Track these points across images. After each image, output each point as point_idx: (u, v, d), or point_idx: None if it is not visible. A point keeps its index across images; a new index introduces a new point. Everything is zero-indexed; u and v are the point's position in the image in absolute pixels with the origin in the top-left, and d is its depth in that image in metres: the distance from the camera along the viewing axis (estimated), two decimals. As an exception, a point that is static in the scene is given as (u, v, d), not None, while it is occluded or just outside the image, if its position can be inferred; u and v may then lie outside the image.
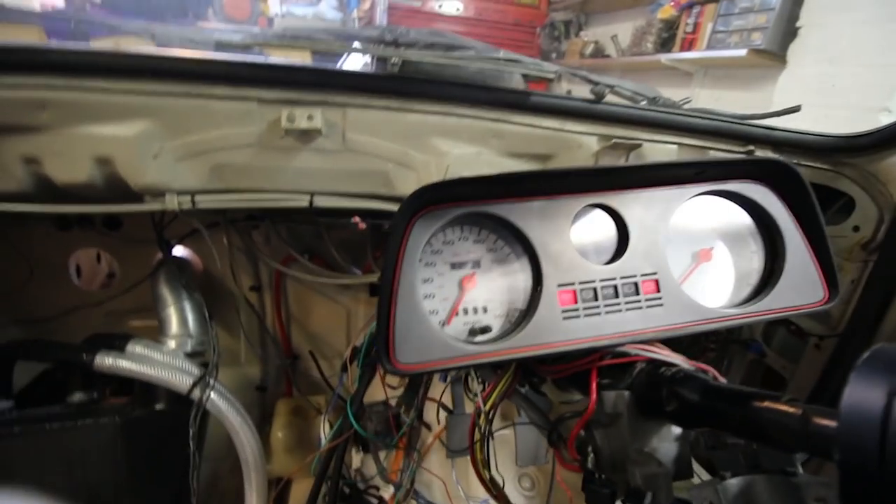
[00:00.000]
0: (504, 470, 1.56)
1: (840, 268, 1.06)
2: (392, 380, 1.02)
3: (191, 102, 0.82)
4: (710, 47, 2.56)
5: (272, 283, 1.42)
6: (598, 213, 0.68)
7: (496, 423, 1.21)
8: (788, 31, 2.14)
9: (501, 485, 0.73)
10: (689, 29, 2.69)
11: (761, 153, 1.07)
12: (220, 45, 0.86)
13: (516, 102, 0.96)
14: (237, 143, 0.87)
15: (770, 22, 2.15)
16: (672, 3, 2.64)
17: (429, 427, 1.20)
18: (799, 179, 0.68)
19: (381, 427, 0.98)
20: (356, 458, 1.10)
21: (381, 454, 1.07)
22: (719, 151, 1.07)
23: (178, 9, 2.49)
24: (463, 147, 0.96)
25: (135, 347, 1.06)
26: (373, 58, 0.90)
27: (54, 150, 0.80)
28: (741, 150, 1.07)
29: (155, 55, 0.82)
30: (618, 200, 0.67)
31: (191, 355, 1.14)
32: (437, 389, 1.08)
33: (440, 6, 3.76)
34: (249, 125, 0.86)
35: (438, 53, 0.89)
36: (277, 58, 0.91)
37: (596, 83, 1.06)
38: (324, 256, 1.37)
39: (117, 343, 1.06)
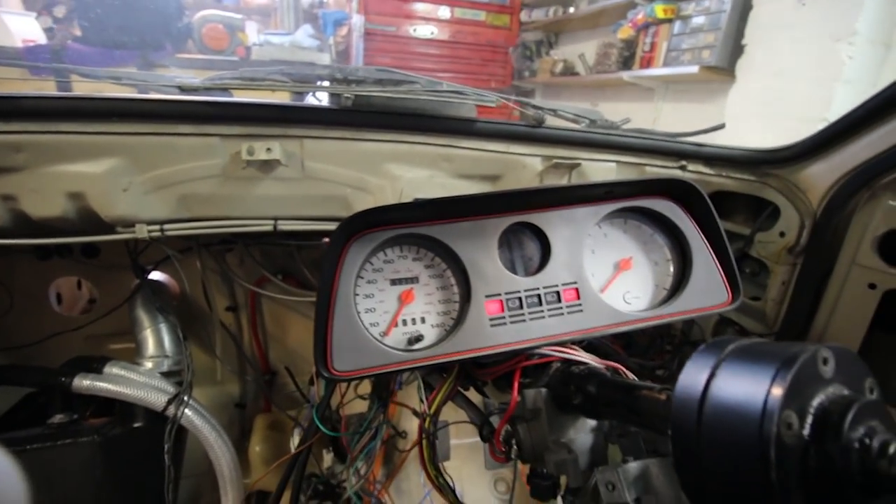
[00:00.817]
0: (479, 476, 1.61)
1: (771, 271, 1.15)
2: (364, 389, 1.08)
3: (157, 140, 0.89)
4: (666, 64, 2.70)
5: (248, 302, 1.48)
6: (524, 228, 0.76)
7: (469, 432, 1.27)
8: (735, 48, 2.28)
9: (452, 485, 0.79)
10: (647, 48, 2.84)
11: (693, 167, 1.17)
12: (185, 90, 0.93)
13: (463, 129, 1.05)
14: (202, 175, 0.94)
15: (718, 41, 2.29)
16: (630, 24, 2.78)
17: (405, 435, 1.26)
18: (700, 196, 0.77)
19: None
20: (327, 458, 1.15)
21: (361, 465, 1.12)
22: (654, 167, 1.16)
23: (158, 42, 2.58)
24: (416, 171, 1.04)
25: (112, 369, 1.11)
26: (327, 97, 0.98)
27: (30, 187, 0.87)
28: (674, 165, 1.16)
29: (123, 97, 0.89)
30: (539, 218, 0.75)
31: (167, 374, 1.19)
32: (411, 398, 1.15)
33: (414, 30, 3.89)
34: (212, 158, 0.93)
35: (388, 89, 0.98)
36: (240, 97, 0.99)
37: (537, 108, 1.16)
38: (296, 275, 1.43)
39: (95, 365, 1.11)
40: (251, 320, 1.50)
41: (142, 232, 0.93)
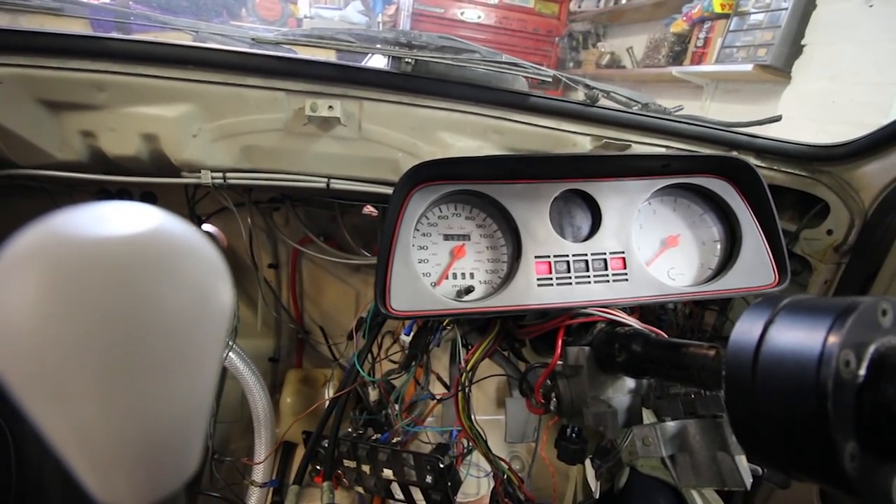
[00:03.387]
0: (496, 452, 1.66)
1: (814, 268, 1.13)
2: (395, 356, 1.13)
3: (227, 90, 0.94)
4: (718, 61, 2.63)
5: (289, 261, 1.54)
6: (576, 196, 0.78)
7: (488, 409, 1.30)
8: (794, 48, 2.21)
9: (484, 436, 0.83)
10: (700, 43, 2.77)
11: (744, 157, 1.15)
12: (255, 42, 0.98)
13: (516, 102, 1.07)
14: (265, 128, 0.98)
15: (776, 39, 2.21)
16: (684, 18, 2.71)
17: (434, 396, 1.30)
18: (755, 176, 0.77)
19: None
20: (373, 393, 1.19)
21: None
22: (704, 152, 1.15)
23: (215, 7, 2.66)
24: (466, 141, 1.06)
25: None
26: (389, 58, 1.01)
27: (108, 126, 0.93)
28: (725, 154, 1.15)
29: (199, 46, 0.94)
30: (593, 187, 0.76)
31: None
32: (438, 365, 1.19)
33: (462, 13, 3.88)
34: (277, 112, 0.97)
35: (447, 56, 1.00)
36: (304, 55, 1.02)
37: (591, 87, 1.16)
38: (337, 239, 1.48)
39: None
40: (290, 279, 1.56)
41: (206, 178, 0.98)
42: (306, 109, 0.96)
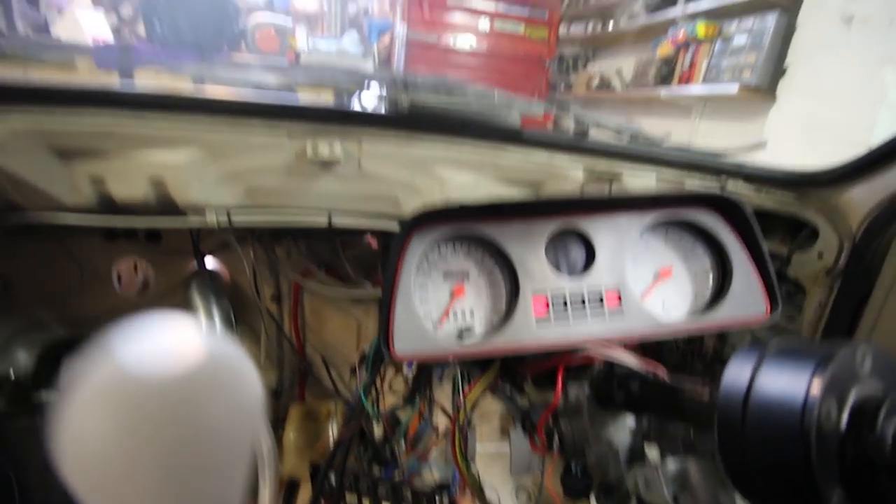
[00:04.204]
0: (501, 484, 1.65)
1: (808, 292, 1.15)
2: (397, 385, 1.14)
3: (231, 134, 0.97)
4: (705, 82, 2.69)
5: (291, 294, 1.56)
6: (569, 234, 0.80)
7: (493, 438, 1.31)
8: (777, 69, 2.27)
9: (477, 476, 0.83)
10: (687, 66, 2.84)
11: (733, 184, 1.18)
12: (257, 85, 1.01)
13: (510, 137, 1.10)
14: (268, 169, 1.01)
15: (759, 60, 2.28)
16: (671, 41, 2.80)
17: (436, 430, 1.30)
18: (743, 211, 0.79)
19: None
20: (377, 429, 1.20)
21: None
22: (694, 182, 1.18)
23: (216, 43, 2.73)
24: (463, 175, 1.09)
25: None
26: (385, 99, 1.05)
27: (117, 171, 0.96)
28: (714, 181, 1.18)
29: (203, 96, 0.98)
30: (586, 223, 0.79)
31: (216, 355, 1.27)
32: (442, 395, 1.20)
33: (454, 41, 3.98)
34: (279, 153, 1.00)
35: (442, 95, 1.04)
36: (305, 95, 1.06)
37: (582, 120, 1.20)
38: (338, 270, 1.50)
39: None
40: (292, 311, 1.57)
41: (211, 219, 1.01)
42: (307, 150, 0.99)
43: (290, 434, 1.53)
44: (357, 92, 1.52)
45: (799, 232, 1.19)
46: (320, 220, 1.08)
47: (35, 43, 2.62)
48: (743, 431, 0.42)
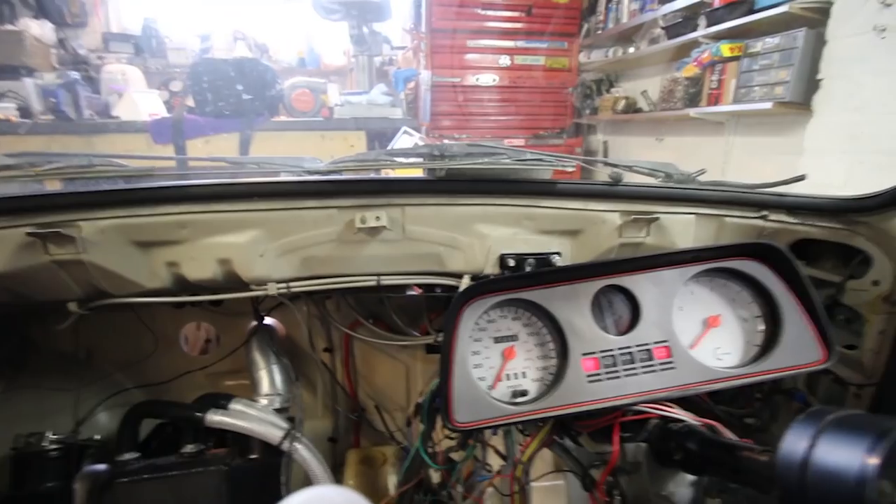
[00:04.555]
0: (559, 523, 1.62)
1: (867, 320, 1.11)
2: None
3: (288, 214, 1.07)
4: (735, 101, 2.67)
5: (342, 345, 1.63)
6: (614, 291, 0.83)
7: (545, 468, 1.31)
8: (811, 83, 2.23)
9: None
10: (714, 85, 2.82)
11: (775, 217, 1.18)
12: (311, 172, 1.11)
13: (544, 191, 1.15)
14: (321, 241, 1.10)
15: (791, 76, 2.25)
16: (695, 63, 2.79)
17: (490, 469, 1.32)
18: (786, 258, 0.80)
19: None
20: (435, 475, 1.23)
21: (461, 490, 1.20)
22: (734, 218, 1.18)
23: (257, 109, 2.95)
24: (501, 229, 1.14)
25: (236, 406, 1.27)
26: (425, 169, 1.12)
27: (189, 256, 1.06)
28: (755, 215, 1.18)
29: (263, 181, 1.08)
30: (628, 281, 0.81)
31: (279, 410, 1.35)
32: (494, 437, 1.22)
33: (477, 79, 4.12)
34: (331, 226, 1.09)
35: (476, 160, 1.10)
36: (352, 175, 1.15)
37: (614, 165, 1.23)
38: (386, 320, 1.56)
39: (222, 402, 1.28)
40: (344, 361, 1.64)
41: (272, 290, 1.10)
42: (356, 221, 1.07)
43: (350, 480, 1.57)
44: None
45: (851, 257, 1.16)
46: (370, 282, 1.15)
47: (100, 124, 2.92)
48: (805, 502, 0.43)
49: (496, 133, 4.33)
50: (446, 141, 4.33)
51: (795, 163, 2.33)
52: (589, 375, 0.76)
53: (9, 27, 3.72)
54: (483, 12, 4.05)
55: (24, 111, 3.02)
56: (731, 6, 2.62)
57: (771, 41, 2.41)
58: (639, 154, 3.98)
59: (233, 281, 1.10)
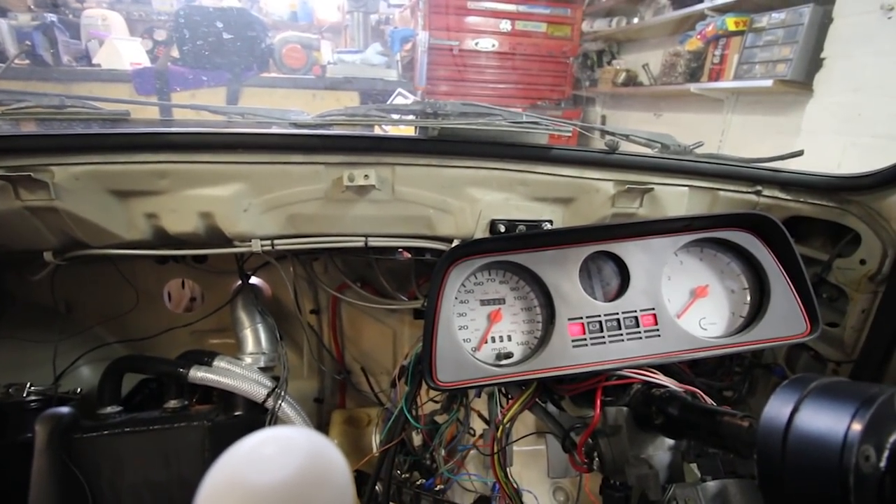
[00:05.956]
0: (539, 483, 1.67)
1: (850, 298, 1.13)
2: (434, 393, 1.18)
3: (273, 167, 1.03)
4: (737, 77, 2.62)
5: (329, 307, 1.62)
6: (603, 257, 0.82)
7: (528, 438, 1.35)
8: (813, 62, 2.19)
9: (518, 492, 0.86)
10: (716, 60, 2.77)
11: (769, 192, 1.17)
12: (298, 125, 1.06)
13: (538, 156, 1.12)
14: (308, 198, 1.07)
15: (794, 54, 2.20)
16: (699, 36, 2.73)
17: (472, 432, 1.34)
18: (779, 230, 0.79)
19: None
20: (416, 438, 1.25)
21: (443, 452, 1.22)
22: (728, 192, 1.17)
23: (246, 62, 2.84)
24: (493, 194, 1.12)
25: (220, 363, 1.27)
26: (417, 127, 1.08)
27: (169, 208, 1.02)
28: (749, 190, 1.17)
29: (248, 132, 1.03)
30: (619, 248, 0.80)
31: (264, 369, 1.34)
32: (477, 400, 1.24)
33: (476, 44, 4.00)
34: (318, 183, 1.05)
35: (470, 120, 1.07)
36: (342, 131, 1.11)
37: (611, 134, 1.21)
38: (374, 284, 1.55)
39: (206, 359, 1.27)
40: (331, 323, 1.64)
41: (256, 246, 1.07)
42: (344, 179, 1.04)
43: (335, 440, 1.60)
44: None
45: (840, 236, 1.16)
46: (357, 243, 1.13)
47: (80, 71, 2.79)
48: (783, 466, 0.43)
49: (493, 101, 4.21)
50: (441, 107, 4.20)
51: (792, 143, 2.31)
52: (574, 340, 0.75)
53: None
54: (485, -28, 3.89)
55: (-1, 54, 2.88)
56: (741, -23, 2.55)
57: (777, 16, 2.35)
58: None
59: (216, 236, 1.07)
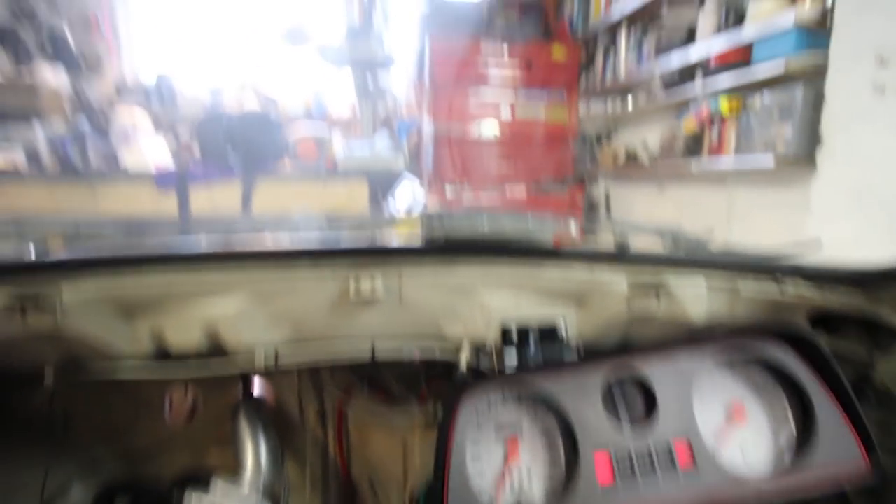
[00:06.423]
0: None
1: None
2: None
3: (279, 279, 1.02)
4: (737, 153, 2.67)
5: (335, 414, 1.54)
6: (627, 380, 0.76)
7: None
8: (813, 139, 2.22)
9: None
10: (715, 139, 2.84)
11: (792, 285, 1.11)
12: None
13: (546, 255, 1.10)
14: (313, 307, 1.04)
15: (792, 132, 2.25)
16: (694, 116, 2.83)
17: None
18: (814, 344, 0.73)
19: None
20: None
21: None
22: (749, 287, 1.12)
23: (262, 159, 2.99)
24: (503, 296, 1.08)
25: (217, 488, 1.17)
26: (423, 234, 1.08)
27: (174, 323, 1.00)
28: (771, 284, 1.12)
29: (255, 249, 1.04)
30: (643, 364, 0.75)
31: (264, 489, 1.24)
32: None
33: (479, 133, 4.22)
34: (323, 292, 1.03)
35: (475, 225, 1.06)
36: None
37: (619, 227, 1.19)
38: (382, 387, 1.48)
39: (202, 483, 1.19)
40: (337, 433, 1.54)
41: (259, 361, 1.03)
42: (350, 288, 1.02)
43: (338, 566, 1.44)
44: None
45: (878, 330, 1.09)
46: (363, 352, 1.08)
47: (106, 174, 2.95)
48: None
49: (498, 182, 4.37)
50: (448, 189, 4.38)
51: (803, 219, 2.28)
52: (603, 486, 0.67)
53: (24, 73, 3.84)
54: (483, 65, 4.20)
55: (33, 157, 3.06)
56: (728, 65, 2.68)
57: (770, 96, 2.43)
58: (641, 204, 3.97)
59: (218, 350, 1.04)
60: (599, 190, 4.49)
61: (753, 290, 1.12)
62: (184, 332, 1.01)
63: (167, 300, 0.98)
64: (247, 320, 1.00)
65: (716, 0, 2.95)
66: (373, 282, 1.01)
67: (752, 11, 2.51)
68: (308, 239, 1.07)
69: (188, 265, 0.97)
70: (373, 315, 1.06)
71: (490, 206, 4.35)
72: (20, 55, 4.29)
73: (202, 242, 1.05)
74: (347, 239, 1.05)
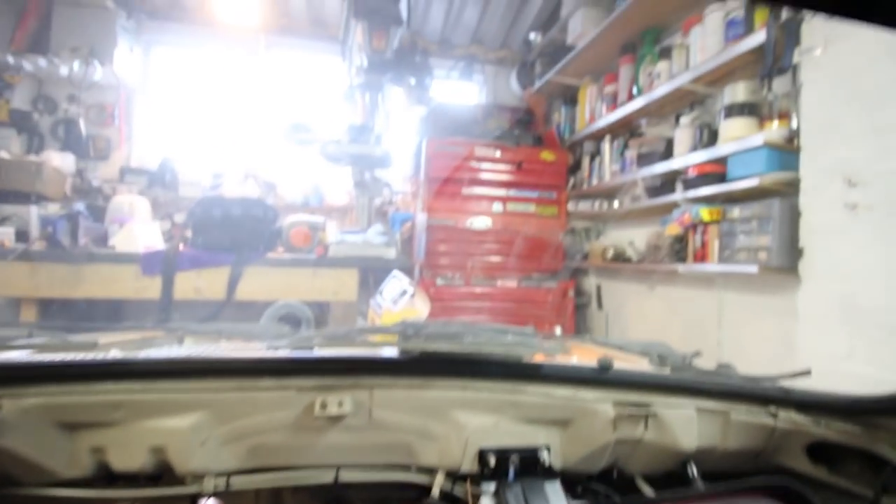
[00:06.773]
0: None
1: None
2: None
3: (240, 394, 0.95)
4: (721, 261, 2.73)
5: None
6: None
7: None
8: (793, 251, 2.28)
9: None
10: (698, 244, 2.93)
11: (785, 414, 1.06)
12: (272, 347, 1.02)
13: (528, 373, 1.05)
14: (274, 427, 0.96)
15: (772, 243, 2.32)
16: (677, 222, 2.94)
17: None
18: (806, 498, 0.67)
19: None
20: None
21: None
22: (740, 413, 1.06)
23: (254, 245, 3.02)
24: (481, 418, 1.02)
25: None
26: (398, 347, 1.04)
27: (119, 441, 0.91)
28: (762, 411, 1.06)
29: (214, 358, 0.98)
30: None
31: None
32: None
33: (471, 223, 4.36)
34: (286, 409, 0.96)
35: (453, 339, 1.02)
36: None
37: (603, 344, 1.16)
38: (348, 508, 1.33)
39: None
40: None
41: (208, 487, 0.93)
42: (316, 406, 0.95)
43: None
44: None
45: (881, 465, 1.01)
46: (326, 479, 0.98)
47: (90, 253, 2.94)
48: None
49: (489, 273, 4.42)
50: (439, 279, 4.40)
51: (791, 327, 2.27)
52: None
53: (32, 157, 3.99)
54: (477, 164, 4.44)
55: (22, 236, 3.06)
56: (706, 176, 2.83)
57: (748, 208, 2.54)
58: (632, 301, 3.99)
59: (163, 473, 0.94)
60: (591, 284, 4.54)
61: (745, 417, 1.07)
62: (129, 452, 0.92)
63: (115, 416, 0.90)
64: (199, 441, 0.92)
65: (690, 118, 3.21)
66: (340, 400, 0.95)
67: (723, 132, 2.72)
68: (275, 345, 1.02)
69: (142, 378, 0.91)
70: (339, 435, 0.99)
71: (481, 297, 4.35)
72: (33, 141, 4.52)
73: (163, 351, 1.00)
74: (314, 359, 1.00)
